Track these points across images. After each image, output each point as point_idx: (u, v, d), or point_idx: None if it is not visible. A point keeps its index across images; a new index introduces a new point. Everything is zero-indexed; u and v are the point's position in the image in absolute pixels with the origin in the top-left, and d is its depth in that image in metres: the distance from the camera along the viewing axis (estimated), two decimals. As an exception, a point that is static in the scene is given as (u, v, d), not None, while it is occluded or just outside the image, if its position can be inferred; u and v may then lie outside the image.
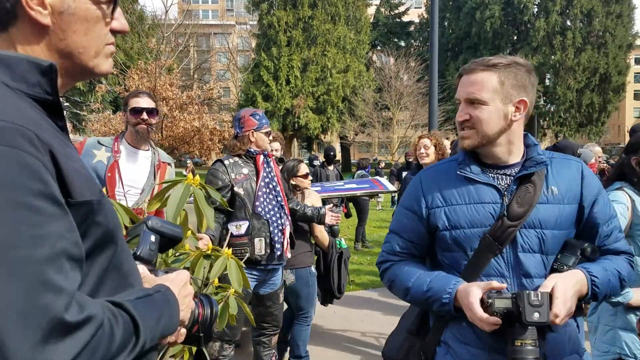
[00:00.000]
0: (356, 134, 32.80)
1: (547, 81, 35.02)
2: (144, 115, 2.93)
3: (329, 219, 3.50)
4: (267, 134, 3.28)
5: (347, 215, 10.09)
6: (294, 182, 3.78)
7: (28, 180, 0.72)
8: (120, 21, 0.99)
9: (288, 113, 29.78)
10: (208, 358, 1.15)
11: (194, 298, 1.09)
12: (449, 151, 5.32)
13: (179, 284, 1.01)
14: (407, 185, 4.23)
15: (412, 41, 40.64)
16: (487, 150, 1.57)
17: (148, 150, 3.05)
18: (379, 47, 40.43)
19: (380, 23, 40.66)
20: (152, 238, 1.10)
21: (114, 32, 0.99)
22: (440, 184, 1.61)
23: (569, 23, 33.49)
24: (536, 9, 33.87)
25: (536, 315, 1.32)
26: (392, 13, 41.82)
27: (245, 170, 3.17)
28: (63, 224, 0.76)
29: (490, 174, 1.57)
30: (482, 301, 1.40)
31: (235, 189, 3.10)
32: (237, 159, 3.20)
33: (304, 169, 3.85)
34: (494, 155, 1.58)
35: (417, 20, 40.75)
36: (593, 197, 1.56)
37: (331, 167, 7.92)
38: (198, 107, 14.38)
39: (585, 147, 5.65)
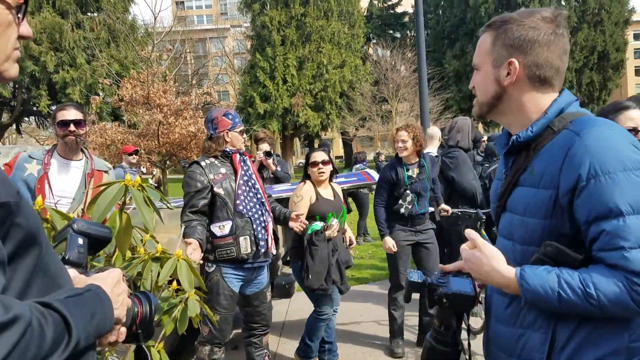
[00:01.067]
0: (357, 129, 32.75)
1: (545, 63, 34.79)
2: (71, 127, 3.05)
3: (292, 224, 3.36)
4: (241, 132, 3.25)
5: (348, 210, 10.07)
6: (309, 171, 3.76)
7: None
8: (26, 27, 0.99)
9: (287, 112, 29.77)
10: (149, 356, 1.13)
11: (130, 296, 1.08)
12: (458, 137, 5.20)
13: (111, 282, 1.00)
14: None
15: (408, 32, 40.49)
16: (500, 120, 1.44)
17: (81, 159, 3.18)
18: (374, 40, 40.32)
19: (374, 16, 40.55)
20: (80, 241, 1.08)
21: (20, 37, 0.97)
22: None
23: (563, 3, 33.23)
24: (530, -9, 33.66)
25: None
26: (386, 5, 41.67)
27: (222, 170, 3.15)
28: None
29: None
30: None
31: (215, 189, 3.08)
32: (213, 159, 3.18)
33: (315, 156, 3.77)
34: (507, 126, 1.42)
35: (411, 10, 40.60)
36: (572, 184, 1.21)
37: (326, 163, 7.89)
38: (193, 112, 14.40)
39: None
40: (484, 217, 4.39)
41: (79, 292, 0.91)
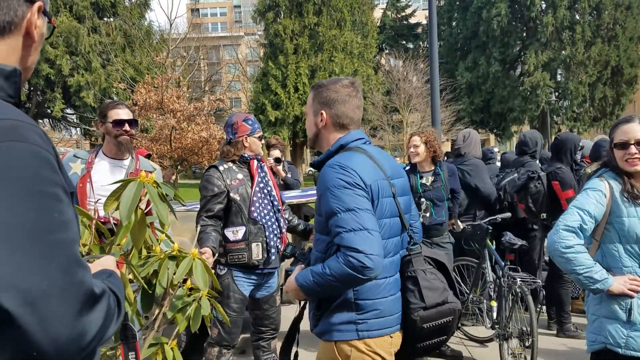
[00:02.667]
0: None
1: (558, 76, 34.65)
2: (126, 127, 2.97)
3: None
4: (260, 138, 3.29)
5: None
6: None
7: (49, 173, 0.83)
8: None
9: (298, 120, 29.85)
10: (135, 329, 1.20)
11: None
12: (470, 148, 5.27)
13: (111, 265, 1.09)
14: None
15: (420, 42, 40.55)
16: (321, 150, 2.09)
17: (126, 159, 3.07)
18: (386, 50, 40.43)
19: (387, 26, 40.67)
20: None
21: None
22: None
23: (577, 17, 33.10)
24: (544, 5, 33.54)
25: None
26: (399, 16, 41.82)
27: (239, 176, 3.18)
28: (72, 210, 0.88)
29: None
30: None
31: (231, 194, 3.12)
32: (231, 164, 3.21)
33: None
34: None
35: (424, 21, 40.69)
36: (319, 193, 1.87)
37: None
38: (205, 117, 14.52)
39: (598, 139, 5.57)
40: (491, 227, 4.38)
41: (108, 272, 1.03)
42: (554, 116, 35.10)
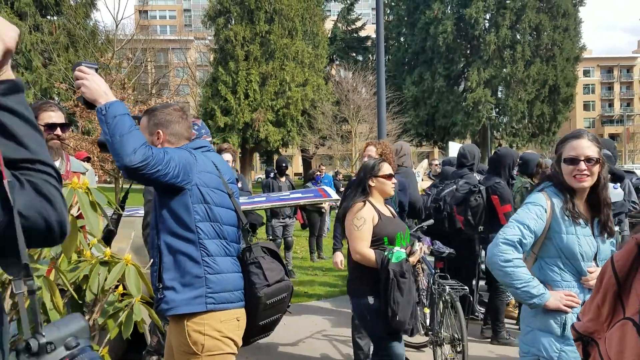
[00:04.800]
0: (317, 147, 32.96)
1: (499, 93, 36.12)
2: (58, 131, 2.82)
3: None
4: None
5: (304, 226, 10.09)
6: (372, 184, 3.08)
7: None
8: None
9: (247, 127, 29.66)
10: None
11: None
12: (404, 159, 5.40)
13: None
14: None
15: (370, 55, 41.29)
16: None
17: (56, 161, 2.93)
18: (337, 62, 40.89)
19: (338, 38, 41.17)
20: None
21: None
22: None
23: (518, 37, 34.69)
24: (487, 24, 34.99)
25: None
26: (350, 28, 42.41)
27: None
28: None
29: None
30: None
31: None
32: None
33: (387, 168, 3.12)
34: None
35: (374, 35, 41.47)
36: None
37: (283, 179, 7.94)
38: (152, 122, 14.18)
39: (526, 153, 5.84)
40: (420, 237, 4.52)
41: None
42: (494, 131, 36.55)
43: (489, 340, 4.84)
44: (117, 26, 20.41)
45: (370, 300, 2.91)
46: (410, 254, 2.99)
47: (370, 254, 2.89)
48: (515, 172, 5.24)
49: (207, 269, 2.08)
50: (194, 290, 2.05)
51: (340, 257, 4.09)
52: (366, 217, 2.96)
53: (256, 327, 2.24)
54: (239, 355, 2.29)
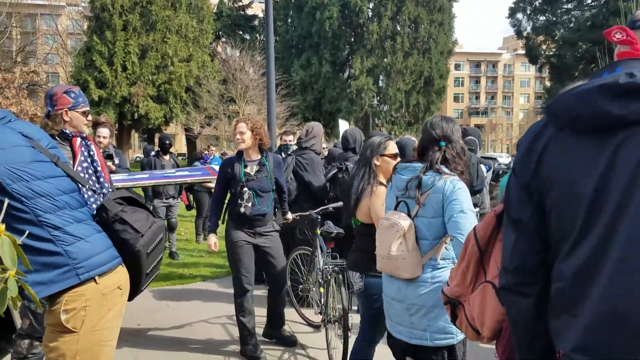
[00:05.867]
0: (202, 127, 32.05)
1: (380, 82, 37.73)
2: None
3: None
4: (84, 113, 3.02)
5: (189, 207, 9.81)
6: (378, 163, 2.96)
7: None
8: None
9: (125, 101, 27.97)
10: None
11: None
12: (313, 141, 5.42)
13: None
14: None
15: (257, 35, 40.85)
16: None
17: None
18: (223, 39, 39.92)
19: (224, 14, 40.17)
20: None
21: None
22: None
23: (398, 28, 36.37)
24: (370, 13, 36.23)
25: None
26: (236, 5, 41.55)
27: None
28: None
29: None
30: None
31: None
32: None
33: (393, 147, 3.01)
34: None
35: (261, 14, 41.02)
36: None
37: (167, 157, 7.61)
38: (16, 91, 12.89)
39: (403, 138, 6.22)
40: (319, 217, 4.61)
41: None
42: (376, 119, 38.22)
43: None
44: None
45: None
46: None
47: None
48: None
49: (61, 243, 1.91)
50: (58, 268, 1.90)
51: (214, 239, 4.03)
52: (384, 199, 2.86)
53: (143, 277, 2.20)
54: (120, 338, 2.20)
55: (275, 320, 4.39)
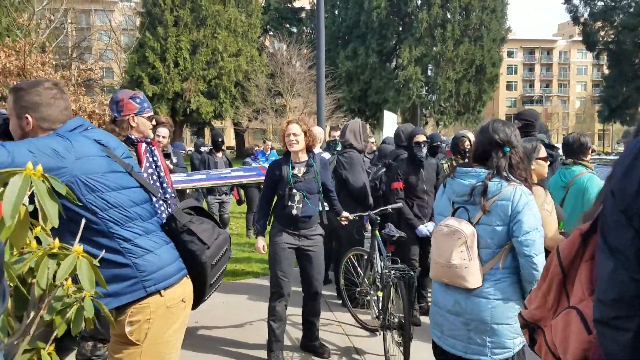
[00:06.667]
0: (250, 120, 32.47)
1: (429, 72, 37.04)
2: None
3: None
4: (150, 118, 3.04)
5: (239, 202, 9.95)
6: (533, 167, 2.95)
7: None
8: None
9: (177, 97, 28.67)
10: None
11: None
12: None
13: None
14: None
15: (304, 28, 40.88)
16: None
17: None
18: (271, 32, 40.19)
19: (272, 8, 40.41)
20: None
21: None
22: None
23: (449, 16, 35.54)
24: (419, 1, 35.55)
25: None
26: (284, -2, 41.76)
27: None
28: None
29: None
30: None
31: None
32: None
33: (544, 151, 3.08)
34: None
35: (308, 7, 41.04)
36: None
37: (219, 154, 7.71)
38: (74, 88, 13.37)
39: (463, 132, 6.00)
40: (379, 218, 4.48)
41: None
42: (423, 109, 37.57)
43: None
44: (35, -16, 18.87)
45: None
46: None
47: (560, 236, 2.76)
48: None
49: (130, 256, 1.91)
50: (126, 280, 1.90)
51: (262, 242, 3.96)
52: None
53: (207, 288, 2.20)
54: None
55: (308, 330, 4.20)
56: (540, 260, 2.26)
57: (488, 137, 2.42)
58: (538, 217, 2.32)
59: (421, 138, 4.77)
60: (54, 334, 1.44)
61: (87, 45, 36.86)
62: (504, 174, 2.34)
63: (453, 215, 2.44)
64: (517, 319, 2.16)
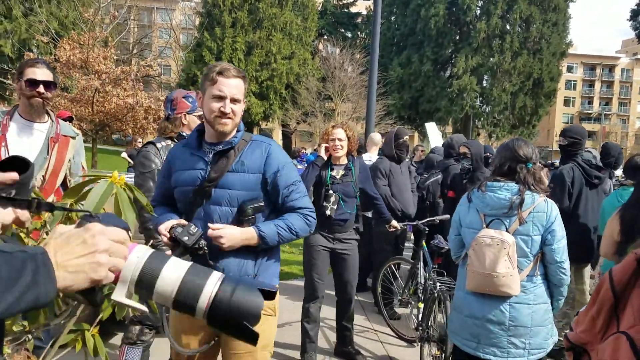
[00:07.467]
0: (298, 123, 32.74)
1: (484, 82, 36.28)
2: (41, 89, 2.76)
3: None
4: (201, 117, 3.16)
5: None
6: None
7: None
8: None
9: (231, 96, 29.23)
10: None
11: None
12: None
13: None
14: None
15: (359, 33, 40.89)
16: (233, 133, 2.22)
17: (45, 122, 2.90)
18: (325, 36, 40.43)
19: (328, 12, 40.64)
20: None
21: None
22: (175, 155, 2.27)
23: (508, 27, 34.73)
24: (479, 11, 34.90)
25: (185, 238, 1.90)
26: (341, 3, 41.87)
27: None
28: None
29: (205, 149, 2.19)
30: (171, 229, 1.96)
31: None
32: (169, 142, 3.08)
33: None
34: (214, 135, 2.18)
35: (364, 12, 41.05)
36: (274, 169, 2.14)
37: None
38: (133, 83, 13.86)
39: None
40: (427, 229, 4.41)
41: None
42: (476, 120, 36.80)
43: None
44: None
45: None
46: None
47: None
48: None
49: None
50: (277, 265, 2.29)
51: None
52: None
53: None
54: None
55: (341, 334, 4.18)
56: (567, 266, 2.53)
57: (511, 153, 2.63)
58: (563, 226, 2.56)
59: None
60: (99, 317, 1.49)
61: (147, 42, 38.21)
62: (532, 187, 2.56)
63: (487, 227, 2.62)
64: (552, 322, 2.46)
